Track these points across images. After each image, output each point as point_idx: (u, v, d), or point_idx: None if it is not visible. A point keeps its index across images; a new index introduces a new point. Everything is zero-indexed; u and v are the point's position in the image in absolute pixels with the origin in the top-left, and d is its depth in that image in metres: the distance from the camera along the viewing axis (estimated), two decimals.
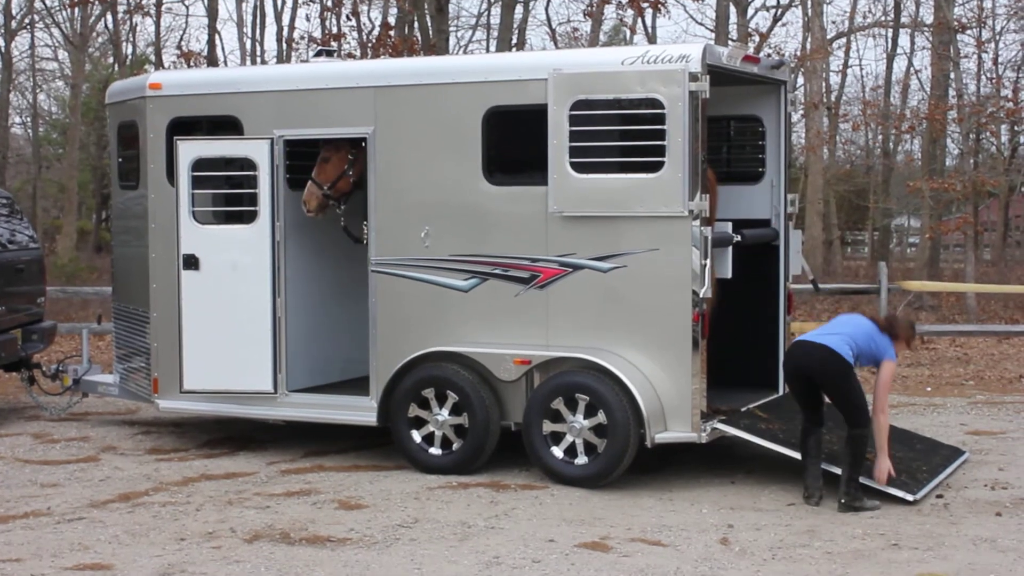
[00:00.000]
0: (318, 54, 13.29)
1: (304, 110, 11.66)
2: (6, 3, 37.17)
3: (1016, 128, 34.34)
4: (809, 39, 30.67)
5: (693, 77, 10.07)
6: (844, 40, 37.09)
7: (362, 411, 11.47)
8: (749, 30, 31.81)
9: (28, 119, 46.04)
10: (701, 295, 10.15)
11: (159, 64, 36.60)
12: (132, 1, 33.74)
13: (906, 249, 48.25)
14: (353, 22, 31.17)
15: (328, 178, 11.69)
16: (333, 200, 11.77)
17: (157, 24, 38.36)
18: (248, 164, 11.70)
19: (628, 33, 35.33)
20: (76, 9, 35.60)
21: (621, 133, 10.49)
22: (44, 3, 36.81)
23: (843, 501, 9.67)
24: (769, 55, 17.16)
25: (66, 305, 23.21)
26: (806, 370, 9.85)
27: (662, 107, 10.12)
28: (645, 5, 27.17)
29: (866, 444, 9.77)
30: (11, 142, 42.90)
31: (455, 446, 10.95)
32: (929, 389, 16.19)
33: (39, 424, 13.86)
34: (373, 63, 14.74)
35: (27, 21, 38.47)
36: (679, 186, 10.09)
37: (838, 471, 9.85)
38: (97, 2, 32.67)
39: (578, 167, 10.44)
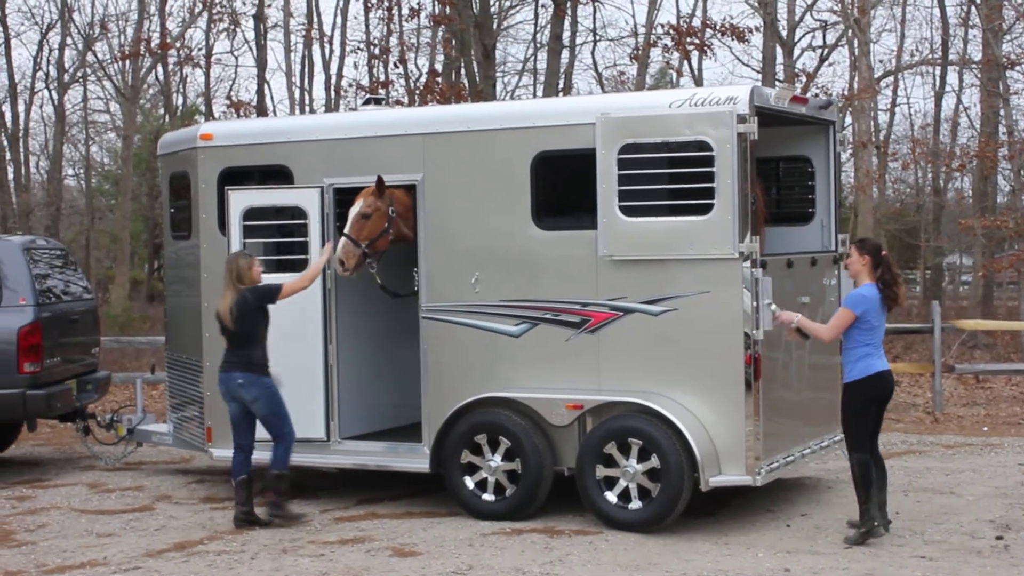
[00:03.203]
0: (367, 102, 13.37)
1: (353, 158, 11.72)
2: (59, 57, 37.71)
3: None
4: (856, 78, 30.54)
5: (741, 119, 10.06)
6: (892, 79, 36.92)
7: (415, 458, 11.47)
8: (796, 70, 31.80)
9: (81, 171, 46.58)
10: (753, 336, 10.10)
11: (209, 114, 36.99)
12: (182, 53, 34.14)
13: (959, 287, 47.78)
14: (400, 69, 31.40)
15: (368, 236, 11.41)
16: (370, 258, 11.60)
17: (207, 75, 38.87)
18: (299, 213, 11.76)
19: (674, 76, 35.34)
20: (127, 62, 36.02)
21: (670, 176, 10.48)
22: (96, 56, 37.30)
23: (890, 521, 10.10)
24: (816, 95, 17.15)
25: (120, 355, 23.38)
26: (890, 395, 10.12)
27: (711, 149, 10.11)
28: (691, 48, 27.23)
29: None
30: (65, 194, 43.40)
31: (508, 492, 10.92)
32: (986, 429, 16.02)
33: (94, 474, 13.94)
34: (421, 110, 14.82)
35: (80, 74, 38.97)
36: (729, 228, 10.06)
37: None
38: (148, 55, 33.05)
39: (627, 210, 10.44)
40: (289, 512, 11.11)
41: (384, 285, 11.75)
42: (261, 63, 35.01)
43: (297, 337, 11.66)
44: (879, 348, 9.99)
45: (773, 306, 10.08)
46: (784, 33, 32.31)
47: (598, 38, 35.01)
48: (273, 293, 10.99)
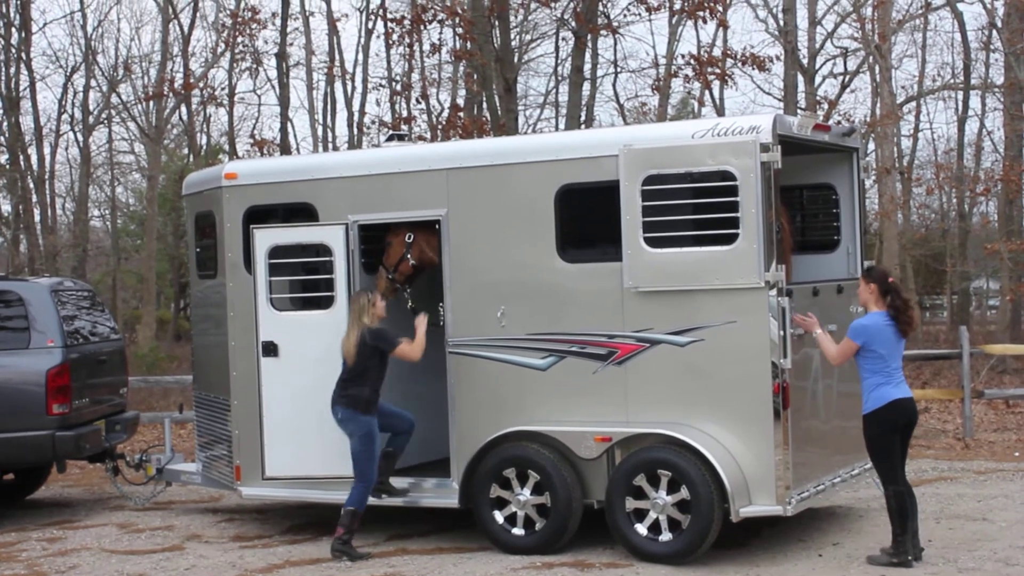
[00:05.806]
0: (390, 138, 13.41)
1: (377, 195, 11.75)
2: (84, 99, 37.98)
3: None
4: (878, 104, 30.52)
5: (764, 148, 10.06)
6: (914, 104, 36.87)
7: (444, 493, 11.45)
8: (818, 98, 31.74)
9: (107, 212, 46.86)
10: (781, 365, 10.07)
11: (233, 153, 37.14)
12: (205, 93, 34.35)
13: (986, 312, 47.56)
14: (422, 105, 31.50)
15: (391, 262, 11.84)
16: (399, 284, 11.83)
17: (230, 114, 39.08)
18: (324, 250, 11.80)
19: (696, 106, 35.33)
20: (151, 103, 36.28)
21: (694, 206, 10.45)
22: (120, 98, 37.55)
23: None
24: (839, 122, 17.15)
25: (147, 395, 23.43)
26: (912, 423, 10.10)
27: (734, 179, 10.11)
28: (712, 78, 27.25)
29: None
30: (91, 235, 43.62)
31: (538, 526, 10.88)
32: (1017, 454, 15.92)
33: (124, 514, 13.95)
34: (444, 145, 14.81)
35: (104, 116, 39.24)
36: (754, 257, 10.05)
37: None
38: (171, 95, 33.27)
39: (652, 242, 10.43)
40: (356, 552, 11.14)
41: (415, 308, 11.80)
42: (284, 101, 35.15)
43: (324, 374, 11.64)
44: (894, 376, 9.92)
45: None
46: (805, 61, 32.28)
47: (619, 70, 35.09)
48: (388, 345, 11.10)
